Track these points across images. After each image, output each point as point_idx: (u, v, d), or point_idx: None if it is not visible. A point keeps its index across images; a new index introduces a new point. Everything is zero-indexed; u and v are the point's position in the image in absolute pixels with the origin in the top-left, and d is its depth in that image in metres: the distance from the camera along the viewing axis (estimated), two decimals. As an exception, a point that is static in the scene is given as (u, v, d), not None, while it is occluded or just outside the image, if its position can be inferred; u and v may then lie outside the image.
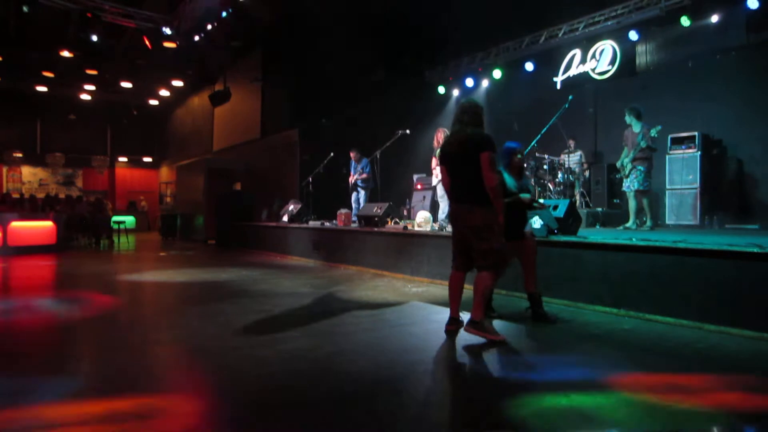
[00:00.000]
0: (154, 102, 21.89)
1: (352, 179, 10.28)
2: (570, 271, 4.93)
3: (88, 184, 22.95)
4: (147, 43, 13.52)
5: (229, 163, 16.54)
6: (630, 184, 7.33)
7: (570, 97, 8.48)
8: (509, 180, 4.38)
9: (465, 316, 4.50)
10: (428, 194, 11.88)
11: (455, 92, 13.58)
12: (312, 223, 10.29)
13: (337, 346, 3.62)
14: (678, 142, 8.51)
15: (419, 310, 4.87)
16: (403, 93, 13.09)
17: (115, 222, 14.32)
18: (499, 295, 5.41)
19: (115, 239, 14.16)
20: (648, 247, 4.45)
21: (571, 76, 10.90)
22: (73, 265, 9.07)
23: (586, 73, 10.59)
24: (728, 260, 3.90)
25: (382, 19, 11.81)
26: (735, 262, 3.87)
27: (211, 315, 4.74)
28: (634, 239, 4.86)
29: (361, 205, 9.90)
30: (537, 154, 9.03)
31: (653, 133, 7.16)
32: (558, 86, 11.07)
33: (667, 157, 8.47)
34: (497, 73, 11.92)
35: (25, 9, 11.15)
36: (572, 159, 9.42)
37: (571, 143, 9.65)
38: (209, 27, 13.14)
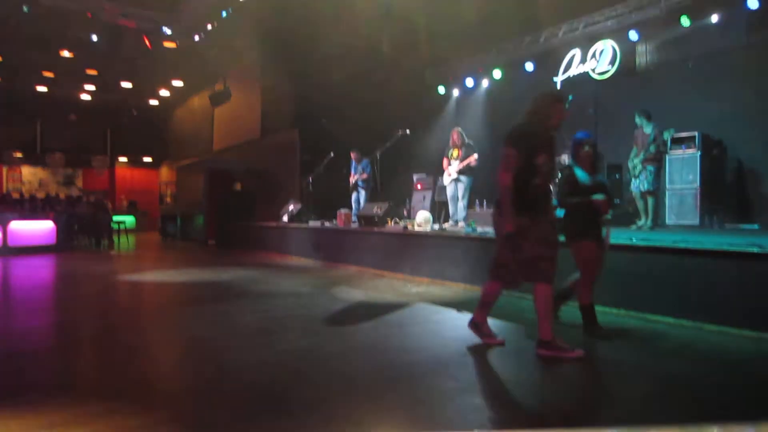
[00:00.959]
0: (154, 102, 21.89)
1: (352, 179, 10.28)
2: (570, 272, 4.92)
3: (88, 184, 22.93)
4: (147, 43, 13.53)
5: (229, 163, 16.52)
6: (640, 185, 7.44)
7: (570, 97, 8.47)
8: (581, 174, 3.90)
9: (466, 317, 4.49)
10: (428, 194, 11.87)
11: (455, 92, 13.57)
12: (312, 223, 10.28)
13: (337, 346, 3.61)
14: (678, 142, 8.51)
15: (419, 310, 4.87)
16: (403, 93, 13.08)
17: (115, 222, 14.31)
18: (499, 295, 5.42)
19: (115, 239, 14.15)
20: (648, 247, 4.45)
21: (571, 76, 10.89)
22: (73, 265, 9.06)
23: (586, 73, 10.59)
24: (728, 260, 3.90)
25: (382, 18, 11.81)
26: (735, 262, 3.86)
27: (211, 315, 4.74)
28: (634, 239, 4.86)
29: (361, 205, 9.90)
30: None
31: (666, 136, 7.29)
32: (558, 86, 11.06)
33: (667, 157, 8.47)
34: (497, 73, 11.91)
35: (25, 9, 11.15)
36: (572, 159, 9.43)
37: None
38: (209, 27, 13.15)
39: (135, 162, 24.24)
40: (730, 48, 8.59)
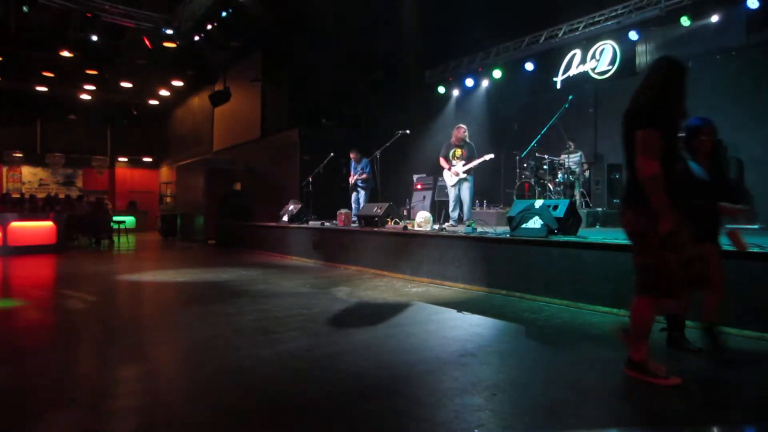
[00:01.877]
0: (154, 102, 21.89)
1: (352, 179, 10.28)
2: (570, 271, 4.92)
3: (88, 184, 22.94)
4: (147, 43, 13.53)
5: (229, 163, 16.53)
6: None
7: (570, 97, 8.48)
8: (697, 169, 3.31)
9: (466, 317, 4.49)
10: (428, 194, 11.87)
11: (455, 92, 13.58)
12: (312, 223, 10.28)
13: (337, 346, 3.61)
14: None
15: (419, 310, 4.87)
16: (403, 93, 13.09)
17: (115, 222, 14.32)
18: (498, 295, 5.42)
19: (115, 239, 14.15)
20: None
21: (571, 76, 10.90)
22: (73, 265, 9.06)
23: (586, 73, 10.59)
24: (728, 260, 3.89)
25: (382, 18, 11.81)
26: (735, 262, 3.86)
27: (211, 315, 4.74)
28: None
29: (361, 205, 9.90)
30: (537, 154, 9.03)
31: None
32: (558, 86, 11.07)
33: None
34: (497, 73, 11.91)
35: (25, 9, 11.15)
36: (572, 159, 9.43)
37: (571, 144, 9.66)
38: (209, 27, 13.15)
39: (135, 162, 24.24)
40: (730, 48, 8.59)
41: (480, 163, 7.92)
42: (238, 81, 16.20)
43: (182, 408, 2.63)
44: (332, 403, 2.61)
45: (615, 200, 9.16)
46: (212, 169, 15.45)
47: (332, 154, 10.89)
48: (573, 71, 10.84)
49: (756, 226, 7.71)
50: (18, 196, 18.19)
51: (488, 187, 11.03)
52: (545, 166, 9.07)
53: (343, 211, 9.30)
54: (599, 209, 8.88)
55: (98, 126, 22.98)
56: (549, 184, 9.01)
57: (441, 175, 11.31)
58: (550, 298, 4.95)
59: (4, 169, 21.32)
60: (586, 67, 10.56)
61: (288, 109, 14.40)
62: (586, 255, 4.84)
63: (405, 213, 11.68)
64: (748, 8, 7.98)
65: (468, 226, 6.71)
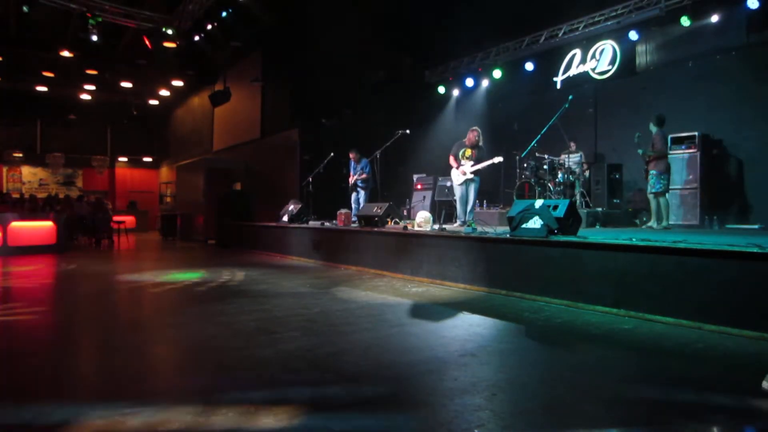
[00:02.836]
0: (154, 102, 21.89)
1: (351, 179, 10.29)
2: (570, 271, 4.93)
3: (88, 184, 22.95)
4: (147, 43, 13.53)
5: (229, 163, 16.54)
6: (648, 188, 7.86)
7: (570, 97, 8.49)
8: None
9: (466, 317, 4.50)
10: (428, 194, 11.88)
11: (455, 92, 13.59)
12: (312, 223, 10.29)
13: (337, 346, 3.61)
14: (678, 142, 8.52)
15: (419, 310, 4.87)
16: (403, 93, 13.10)
17: (115, 222, 14.32)
18: (498, 295, 5.42)
19: (115, 239, 14.15)
20: (648, 247, 4.45)
21: (571, 76, 10.90)
22: (73, 265, 9.06)
23: (586, 73, 10.60)
24: (728, 260, 3.90)
25: (382, 18, 11.82)
26: (735, 262, 3.86)
27: (211, 315, 4.74)
28: (634, 239, 4.86)
29: (361, 205, 9.90)
30: (537, 154, 9.03)
31: (635, 139, 7.75)
32: (558, 86, 11.08)
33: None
34: (497, 73, 11.92)
35: (25, 9, 11.15)
36: (572, 159, 9.43)
37: (572, 145, 9.67)
38: (209, 27, 13.15)
39: (135, 162, 24.25)
40: (730, 48, 8.60)
41: (488, 166, 7.92)
42: (238, 81, 16.20)
43: (181, 408, 2.62)
44: (332, 403, 2.61)
45: (615, 200, 9.18)
46: (212, 169, 15.46)
47: (332, 154, 10.90)
48: (573, 71, 10.85)
49: (756, 226, 7.72)
50: (18, 196, 18.20)
51: (488, 187, 11.04)
52: (545, 166, 9.08)
53: (343, 211, 9.30)
54: (599, 209, 8.89)
55: (98, 126, 22.99)
56: (549, 184, 9.02)
57: (441, 175, 11.33)
58: (550, 298, 4.95)
59: (4, 169, 21.33)
60: (586, 67, 10.57)
61: (288, 109, 14.40)
62: (585, 255, 4.84)
63: (405, 213, 11.70)
64: (748, 8, 7.99)
65: (468, 226, 6.71)
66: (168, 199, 21.93)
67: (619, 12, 9.67)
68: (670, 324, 4.09)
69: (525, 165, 9.31)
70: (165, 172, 23.97)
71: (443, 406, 2.55)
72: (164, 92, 20.37)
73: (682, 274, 4.13)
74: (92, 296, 6.02)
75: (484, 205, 10.80)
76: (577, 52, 10.77)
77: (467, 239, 6.09)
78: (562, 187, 8.97)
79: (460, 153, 8.08)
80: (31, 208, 13.96)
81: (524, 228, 5.64)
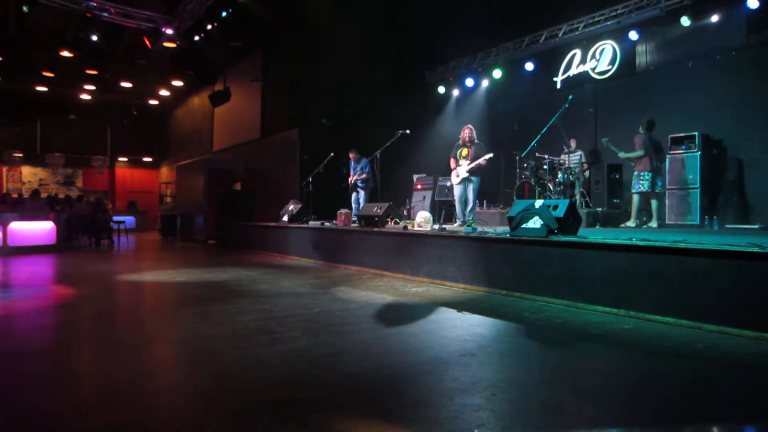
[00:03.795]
0: (154, 102, 21.90)
1: (351, 179, 10.29)
2: (570, 271, 4.93)
3: (88, 184, 22.95)
4: (147, 43, 13.54)
5: (229, 163, 16.54)
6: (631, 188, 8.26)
7: (570, 97, 8.49)
8: None
9: (466, 317, 4.50)
10: (428, 194, 11.88)
11: (455, 92, 13.59)
12: (312, 223, 10.29)
13: (337, 346, 3.61)
14: (678, 142, 8.52)
15: (419, 310, 4.86)
16: (403, 93, 13.09)
17: (115, 222, 14.32)
18: (498, 295, 5.42)
19: (115, 239, 14.15)
20: (648, 247, 4.45)
21: (571, 75, 10.90)
22: (73, 265, 9.06)
23: (586, 73, 10.60)
24: (728, 260, 3.90)
25: (382, 18, 11.82)
26: (735, 262, 3.86)
27: (210, 315, 4.74)
28: (634, 239, 4.86)
29: (361, 205, 9.90)
30: (537, 154, 9.03)
31: (603, 142, 8.36)
32: (558, 86, 11.08)
33: (667, 157, 8.48)
34: (497, 73, 11.93)
35: (25, 9, 11.16)
36: (572, 159, 9.43)
37: (572, 143, 9.66)
38: (209, 27, 13.15)
39: (135, 162, 24.25)
40: (730, 48, 8.60)
41: (479, 164, 7.81)
42: (238, 81, 16.20)
43: (181, 408, 2.62)
44: (332, 403, 2.61)
45: (615, 200, 9.17)
46: (212, 169, 15.45)
47: (332, 154, 10.90)
48: (573, 71, 10.85)
49: (756, 226, 7.72)
50: (18, 196, 18.19)
51: (488, 187, 11.04)
52: (545, 166, 9.08)
53: (343, 211, 9.30)
54: (599, 209, 8.89)
55: (98, 126, 22.99)
56: (549, 184, 9.02)
57: (441, 175, 11.33)
58: (550, 298, 4.95)
59: (4, 169, 21.32)
60: (586, 67, 10.57)
61: (288, 109, 14.41)
62: (586, 255, 4.84)
63: (405, 213, 11.70)
64: (748, 8, 7.99)
65: (468, 226, 6.71)
66: (168, 199, 21.93)
67: (619, 12, 9.67)
68: (670, 324, 4.09)
69: (525, 165, 9.31)
70: (165, 172, 23.97)
71: (443, 406, 2.54)
72: (164, 92, 20.37)
73: (682, 274, 4.12)
74: (92, 296, 6.01)
75: (484, 205, 10.80)
76: (577, 52, 10.77)
77: (467, 239, 6.09)
78: (562, 187, 8.97)
79: (458, 153, 8.07)
80: (31, 208, 13.94)
81: (524, 228, 5.64)
